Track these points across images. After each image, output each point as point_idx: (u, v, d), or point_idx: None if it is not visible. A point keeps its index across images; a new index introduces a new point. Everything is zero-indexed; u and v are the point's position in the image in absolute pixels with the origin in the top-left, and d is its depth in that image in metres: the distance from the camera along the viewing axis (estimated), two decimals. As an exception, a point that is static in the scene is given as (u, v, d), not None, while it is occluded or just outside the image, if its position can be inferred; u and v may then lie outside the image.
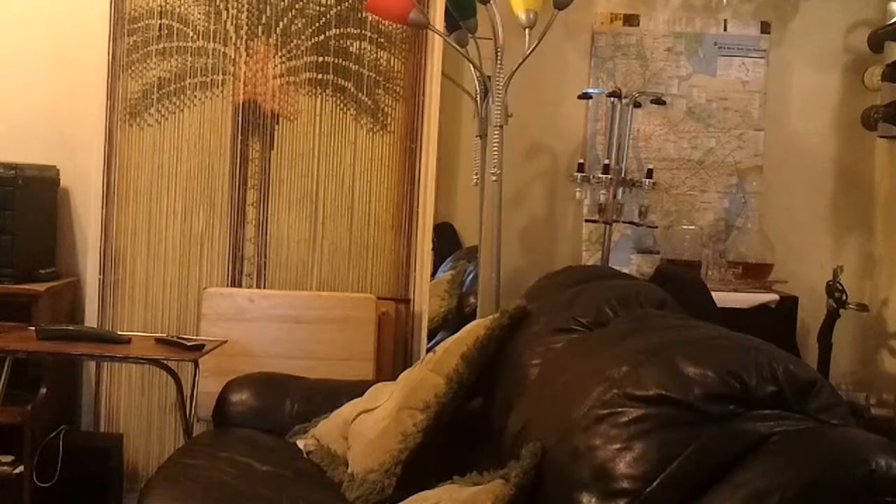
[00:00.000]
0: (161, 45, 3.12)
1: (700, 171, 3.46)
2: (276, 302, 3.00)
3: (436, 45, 3.07)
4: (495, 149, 2.97)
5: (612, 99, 3.27)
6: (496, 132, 2.96)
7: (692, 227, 3.41)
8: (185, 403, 2.66)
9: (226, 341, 2.81)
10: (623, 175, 3.24)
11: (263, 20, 3.11)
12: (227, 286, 3.12)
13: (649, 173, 3.25)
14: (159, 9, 3.11)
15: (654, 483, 1.34)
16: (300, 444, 2.41)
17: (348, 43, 3.12)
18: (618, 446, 1.42)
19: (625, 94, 3.27)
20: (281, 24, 3.11)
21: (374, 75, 3.13)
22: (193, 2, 3.11)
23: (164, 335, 2.80)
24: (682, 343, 1.58)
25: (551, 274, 2.72)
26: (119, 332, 2.85)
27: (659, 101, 3.33)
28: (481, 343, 2.19)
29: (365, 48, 3.12)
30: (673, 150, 3.45)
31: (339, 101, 3.13)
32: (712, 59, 3.44)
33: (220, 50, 3.11)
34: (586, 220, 3.38)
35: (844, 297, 3.16)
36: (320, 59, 3.12)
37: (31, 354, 2.68)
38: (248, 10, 3.11)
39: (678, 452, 1.35)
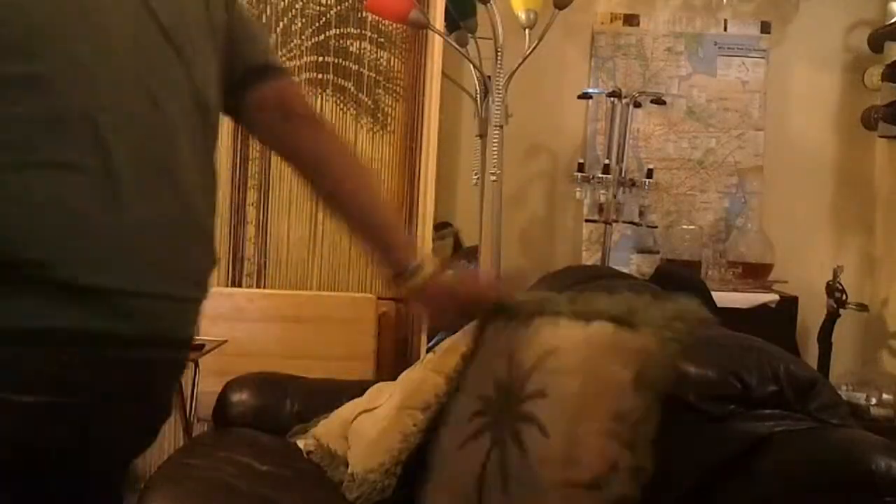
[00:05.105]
0: (161, 45, 3.11)
1: (700, 171, 3.46)
2: (276, 302, 2.99)
3: (436, 45, 3.06)
4: (495, 149, 2.97)
5: (611, 99, 3.27)
6: (496, 132, 2.96)
7: (692, 227, 3.41)
8: (185, 403, 2.66)
9: (226, 341, 2.80)
10: (623, 175, 3.23)
11: (263, 20, 3.10)
12: (227, 286, 3.11)
13: (649, 173, 3.25)
14: (159, 9, 3.11)
15: (654, 483, 1.34)
16: (300, 444, 2.40)
17: (348, 43, 3.12)
18: (618, 446, 1.41)
19: (625, 94, 3.26)
20: (281, 23, 3.11)
21: (374, 75, 3.12)
22: (193, 2, 3.11)
23: (164, 335, 2.79)
24: (682, 343, 1.58)
25: (551, 274, 2.72)
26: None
27: (659, 101, 3.32)
28: (481, 343, 2.19)
29: (365, 48, 3.12)
30: (673, 150, 3.45)
31: (339, 101, 3.13)
32: (712, 59, 3.44)
33: (220, 50, 3.11)
34: (586, 220, 3.38)
35: (844, 297, 3.16)
36: (320, 59, 3.11)
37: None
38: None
39: (678, 452, 1.35)
